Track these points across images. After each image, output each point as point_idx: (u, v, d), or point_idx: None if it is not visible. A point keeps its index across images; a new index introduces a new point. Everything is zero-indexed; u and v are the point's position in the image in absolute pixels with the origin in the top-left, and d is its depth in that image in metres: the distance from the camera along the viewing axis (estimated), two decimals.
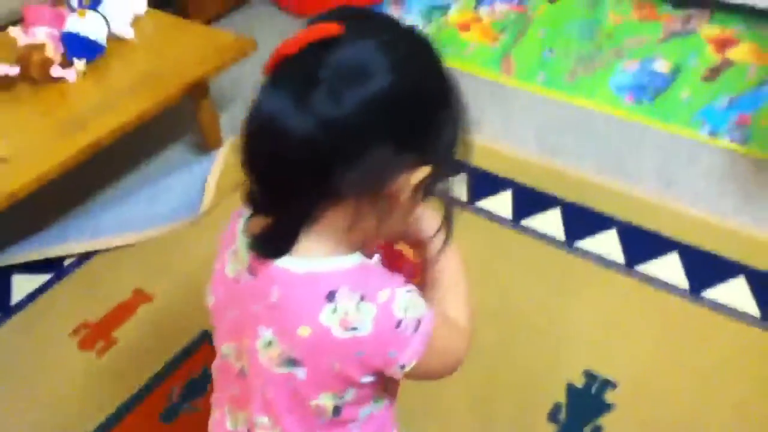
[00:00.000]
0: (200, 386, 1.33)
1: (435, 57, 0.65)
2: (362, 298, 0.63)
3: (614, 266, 1.51)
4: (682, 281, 1.47)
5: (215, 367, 0.83)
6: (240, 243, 0.71)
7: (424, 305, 0.67)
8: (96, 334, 1.45)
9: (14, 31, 1.66)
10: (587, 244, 1.56)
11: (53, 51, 1.61)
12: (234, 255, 0.72)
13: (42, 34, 1.62)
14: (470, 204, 1.67)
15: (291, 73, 0.59)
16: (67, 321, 1.48)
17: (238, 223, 0.73)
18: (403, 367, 0.66)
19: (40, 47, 1.60)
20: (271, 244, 0.66)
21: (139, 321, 1.47)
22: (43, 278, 1.58)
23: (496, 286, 1.48)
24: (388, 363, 0.66)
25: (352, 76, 0.58)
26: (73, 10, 1.71)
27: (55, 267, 1.60)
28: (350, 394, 0.70)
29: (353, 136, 0.59)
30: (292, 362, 0.67)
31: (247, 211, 0.71)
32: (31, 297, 1.54)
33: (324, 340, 0.64)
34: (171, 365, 1.38)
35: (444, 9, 2.40)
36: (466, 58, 2.18)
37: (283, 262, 0.66)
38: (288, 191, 0.62)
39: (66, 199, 1.75)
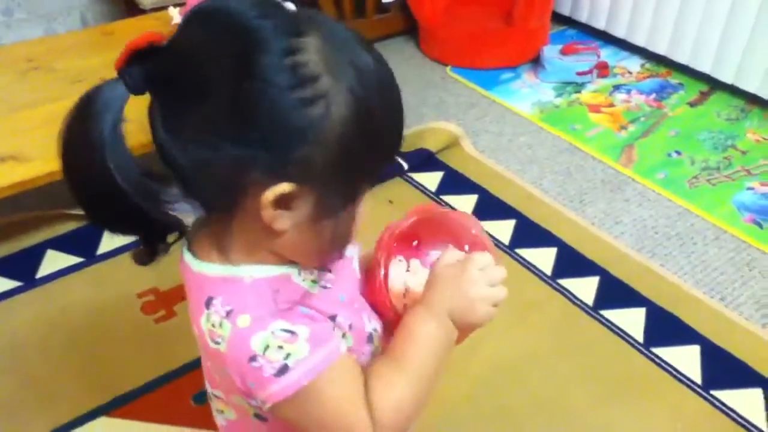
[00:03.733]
0: None
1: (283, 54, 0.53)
2: (227, 315, 0.60)
3: (689, 384, 1.41)
4: (762, 422, 1.34)
5: None
6: None
7: (305, 353, 0.59)
8: (160, 302, 1.50)
9: (172, 11, 1.79)
10: (665, 353, 1.47)
11: None
12: None
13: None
14: (553, 279, 1.62)
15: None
16: (139, 282, 1.54)
17: None
18: (264, 402, 0.61)
19: None
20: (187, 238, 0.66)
21: None
22: (130, 237, 1.66)
23: (552, 367, 1.41)
24: (249, 392, 0.61)
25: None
26: None
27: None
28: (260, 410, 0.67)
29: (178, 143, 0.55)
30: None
31: None
32: (116, 252, 1.63)
33: (204, 343, 0.62)
34: None
35: (579, 86, 2.38)
36: (588, 139, 2.14)
37: (187, 257, 0.65)
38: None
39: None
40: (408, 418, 0.65)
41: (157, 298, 1.51)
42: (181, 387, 1.33)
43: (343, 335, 0.65)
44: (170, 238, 0.64)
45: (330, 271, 0.67)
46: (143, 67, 0.55)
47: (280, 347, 0.58)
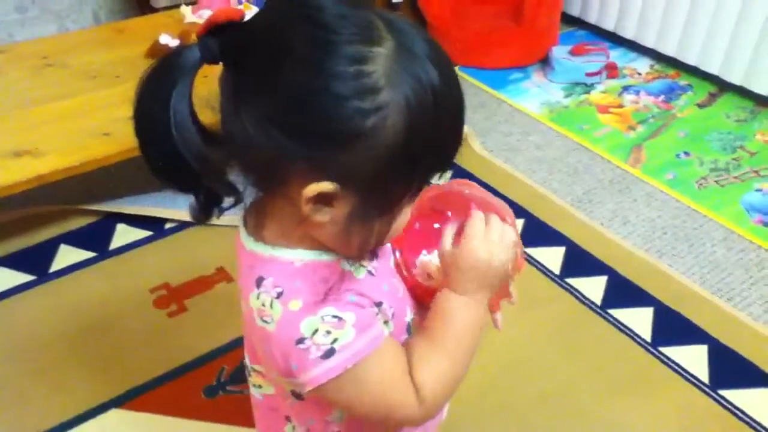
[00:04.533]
0: None
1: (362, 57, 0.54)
2: (278, 296, 0.61)
3: (696, 383, 1.41)
4: None
5: None
6: None
7: (351, 338, 0.61)
8: (172, 297, 1.52)
9: (185, 9, 1.80)
10: (673, 352, 1.47)
11: None
12: None
13: (206, 17, 1.75)
14: (561, 278, 1.62)
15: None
16: (152, 277, 1.56)
17: None
18: (303, 385, 0.62)
19: None
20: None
21: (213, 296, 1.52)
22: (143, 233, 1.68)
23: (560, 365, 1.42)
24: (290, 373, 0.62)
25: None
26: (240, 2, 1.84)
27: (156, 227, 1.70)
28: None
29: (239, 125, 0.57)
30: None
31: None
32: (128, 247, 1.64)
33: (250, 319, 0.64)
34: (228, 345, 1.41)
35: (588, 87, 2.38)
36: (597, 139, 2.14)
37: (242, 235, 0.67)
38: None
39: None
40: (449, 393, 0.68)
41: (169, 293, 1.53)
42: (192, 380, 1.35)
43: (386, 322, 0.67)
44: (226, 203, 0.65)
45: (377, 257, 0.69)
46: (221, 38, 0.57)
47: (328, 332, 0.60)
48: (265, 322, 0.62)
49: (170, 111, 0.57)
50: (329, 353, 0.60)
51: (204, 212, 0.65)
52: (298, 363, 0.61)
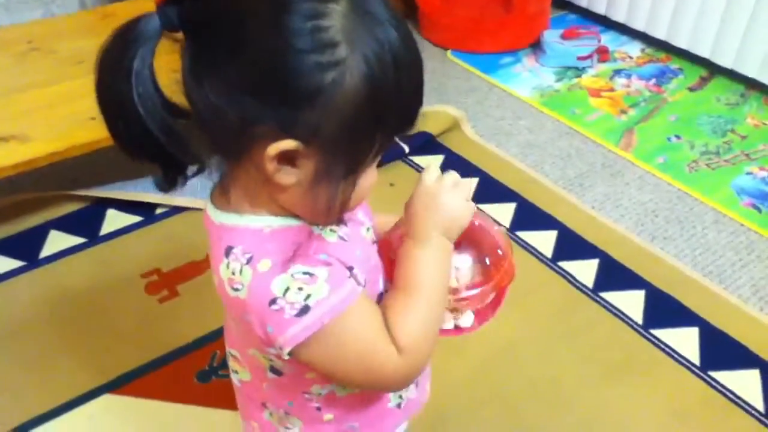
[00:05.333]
0: None
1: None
2: (248, 261, 0.60)
3: (688, 365, 1.42)
4: (759, 402, 1.36)
5: None
6: None
7: (325, 293, 0.60)
8: (163, 283, 1.51)
9: None
10: (664, 334, 1.48)
11: None
12: None
13: None
14: (553, 262, 1.63)
15: None
16: (143, 263, 1.55)
17: None
18: (282, 348, 0.61)
19: None
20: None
21: (204, 282, 1.52)
22: (133, 219, 1.67)
23: (551, 350, 1.43)
24: (269, 339, 0.61)
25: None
26: None
27: (147, 212, 1.69)
28: (278, 360, 0.68)
29: (196, 87, 0.57)
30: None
31: None
32: (119, 233, 1.63)
33: (223, 291, 0.63)
34: (220, 330, 1.40)
35: (579, 71, 2.38)
36: (588, 123, 2.14)
37: (209, 209, 0.66)
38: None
39: None
40: (430, 340, 0.67)
41: (160, 278, 1.52)
42: (184, 365, 1.34)
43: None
44: (190, 172, 0.65)
45: (346, 224, 0.68)
46: (180, 6, 0.57)
47: (300, 288, 0.59)
48: (236, 290, 0.61)
49: (132, 81, 0.56)
50: (304, 310, 0.59)
51: (170, 183, 0.65)
52: (274, 325, 0.60)
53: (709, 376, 1.40)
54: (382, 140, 0.61)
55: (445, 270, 0.70)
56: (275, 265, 0.60)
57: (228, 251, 0.62)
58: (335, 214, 0.63)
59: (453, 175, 0.71)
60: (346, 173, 0.60)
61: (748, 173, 1.97)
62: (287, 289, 0.59)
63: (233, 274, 0.61)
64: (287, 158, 0.58)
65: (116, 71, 0.57)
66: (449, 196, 0.69)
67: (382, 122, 0.59)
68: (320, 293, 0.60)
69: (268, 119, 0.56)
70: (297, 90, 0.55)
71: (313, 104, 0.55)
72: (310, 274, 0.60)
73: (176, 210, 1.69)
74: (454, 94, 2.25)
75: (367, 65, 0.55)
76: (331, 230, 0.66)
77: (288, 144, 0.56)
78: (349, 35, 0.55)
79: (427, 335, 0.67)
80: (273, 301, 0.59)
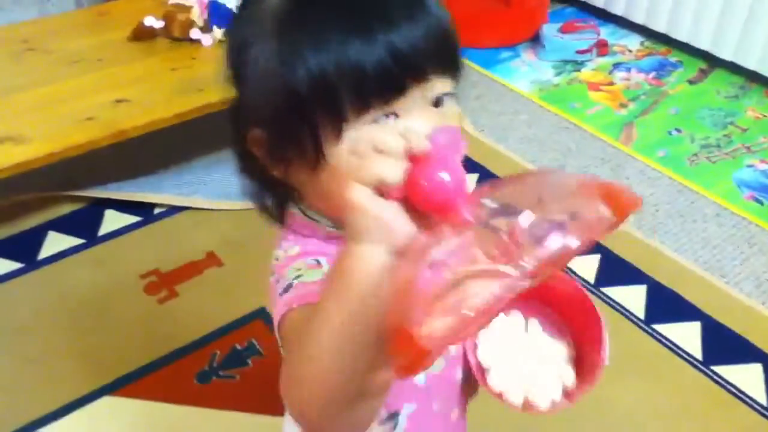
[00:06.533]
0: (242, 357, 1.34)
1: None
2: (287, 249, 0.60)
3: (690, 360, 1.41)
4: (761, 396, 1.35)
5: None
6: None
7: (314, 279, 0.54)
8: (162, 283, 1.50)
9: None
10: (666, 329, 1.47)
11: (197, 15, 1.70)
12: None
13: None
14: None
15: None
16: (141, 263, 1.54)
17: None
18: (275, 329, 0.57)
19: (187, 9, 1.70)
20: None
21: (203, 282, 1.51)
22: (132, 219, 1.66)
23: None
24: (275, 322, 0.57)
25: None
26: None
27: (145, 212, 1.68)
28: None
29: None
30: None
31: None
32: (117, 233, 1.63)
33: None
34: (220, 330, 1.40)
35: (578, 65, 2.37)
36: (588, 117, 2.13)
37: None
38: None
39: (173, 152, 1.84)
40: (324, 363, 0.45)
41: (159, 279, 1.51)
42: (184, 366, 1.34)
43: None
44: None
45: None
46: None
47: (298, 269, 0.56)
48: (272, 274, 0.59)
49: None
50: (287, 288, 0.55)
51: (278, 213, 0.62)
52: (271, 300, 0.57)
53: (712, 371, 1.39)
54: (337, 114, 0.49)
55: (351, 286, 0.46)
56: (303, 252, 0.58)
57: (281, 243, 0.62)
58: (336, 212, 0.53)
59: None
60: (310, 149, 0.51)
61: (749, 166, 1.96)
62: (291, 269, 0.57)
63: (276, 260, 0.60)
64: (264, 149, 0.56)
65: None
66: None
67: (313, 91, 0.49)
68: (310, 277, 0.55)
69: (240, 113, 0.57)
70: (235, 72, 0.57)
71: (245, 86, 0.56)
72: (318, 262, 0.57)
73: (175, 210, 1.68)
74: None
75: (263, 35, 0.53)
76: None
77: (253, 132, 0.56)
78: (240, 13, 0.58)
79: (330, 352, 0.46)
80: (275, 277, 0.58)
